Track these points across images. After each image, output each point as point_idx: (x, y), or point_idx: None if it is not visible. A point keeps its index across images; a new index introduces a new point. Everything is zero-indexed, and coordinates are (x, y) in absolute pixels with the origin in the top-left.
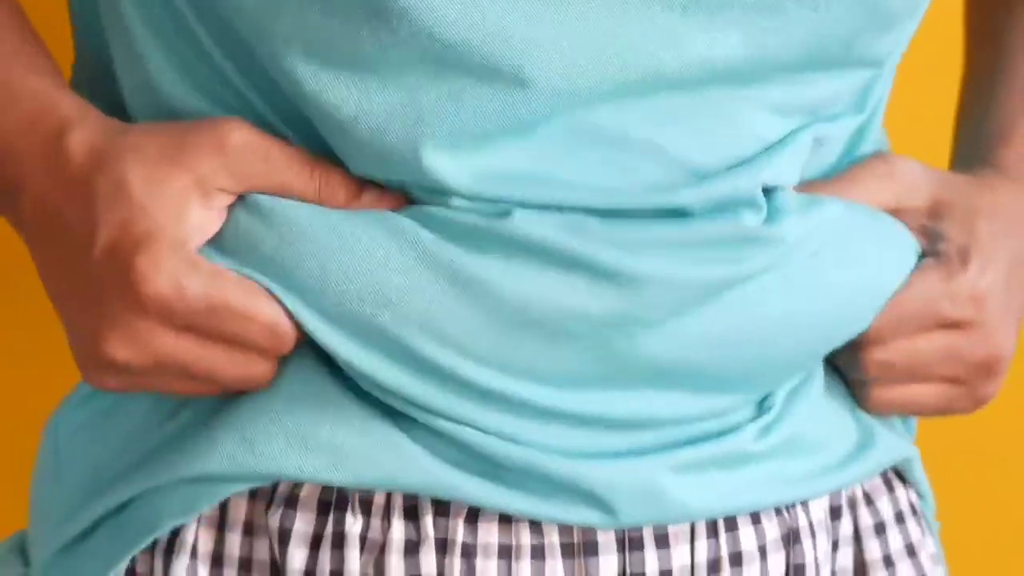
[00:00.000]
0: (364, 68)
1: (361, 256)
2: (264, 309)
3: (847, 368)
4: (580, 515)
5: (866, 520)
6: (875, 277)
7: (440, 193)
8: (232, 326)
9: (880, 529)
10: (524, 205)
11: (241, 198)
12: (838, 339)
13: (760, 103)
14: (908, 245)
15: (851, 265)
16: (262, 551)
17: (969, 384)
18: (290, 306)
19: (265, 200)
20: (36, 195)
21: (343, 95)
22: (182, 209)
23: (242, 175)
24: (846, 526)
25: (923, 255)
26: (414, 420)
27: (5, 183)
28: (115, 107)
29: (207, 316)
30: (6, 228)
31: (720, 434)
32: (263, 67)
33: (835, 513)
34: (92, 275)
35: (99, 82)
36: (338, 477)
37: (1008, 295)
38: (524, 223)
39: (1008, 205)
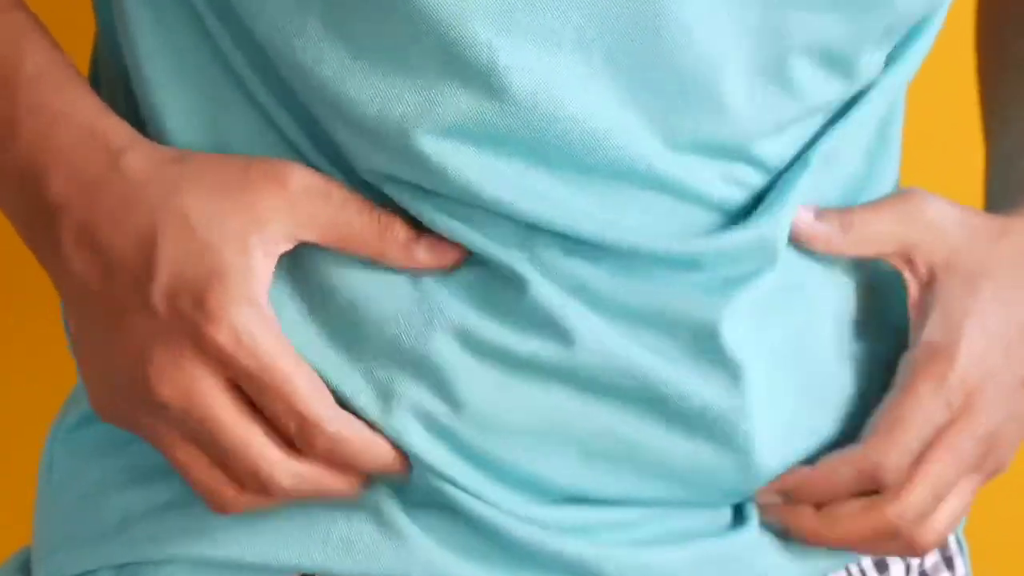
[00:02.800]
0: (386, 61)
1: (387, 309)
2: (302, 395)
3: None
4: None
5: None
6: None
7: (455, 200)
8: (267, 397)
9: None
10: (532, 225)
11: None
12: None
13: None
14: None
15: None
16: None
17: (981, 469)
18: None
19: (310, 252)
20: (80, 220)
21: (360, 85)
22: (246, 250)
23: (304, 216)
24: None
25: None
26: (418, 501)
27: (42, 210)
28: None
29: (248, 376)
30: (6, 226)
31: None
32: (280, 67)
33: (881, 566)
34: (147, 303)
35: (119, 102)
36: (347, 567)
37: (1011, 362)
38: (541, 295)
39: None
